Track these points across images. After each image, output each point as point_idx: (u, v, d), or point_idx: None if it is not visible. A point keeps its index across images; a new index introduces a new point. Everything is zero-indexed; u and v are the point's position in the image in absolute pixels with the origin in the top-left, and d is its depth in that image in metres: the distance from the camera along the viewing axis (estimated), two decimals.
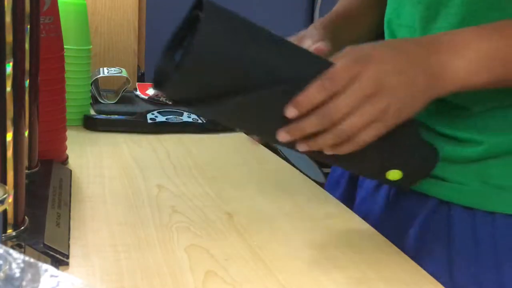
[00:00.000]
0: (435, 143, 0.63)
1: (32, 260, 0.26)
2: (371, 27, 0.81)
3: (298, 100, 0.52)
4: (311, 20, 2.46)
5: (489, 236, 0.61)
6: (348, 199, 0.77)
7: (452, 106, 0.63)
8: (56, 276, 0.26)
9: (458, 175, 0.63)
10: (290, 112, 0.52)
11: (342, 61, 0.53)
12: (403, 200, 0.69)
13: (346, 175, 0.80)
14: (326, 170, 1.93)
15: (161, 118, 0.97)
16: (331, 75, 0.52)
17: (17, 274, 0.25)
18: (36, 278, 0.25)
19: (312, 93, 0.52)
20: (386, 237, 0.62)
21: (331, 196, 0.75)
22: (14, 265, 0.26)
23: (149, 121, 0.96)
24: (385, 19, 0.73)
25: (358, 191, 0.77)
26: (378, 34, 0.81)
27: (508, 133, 0.61)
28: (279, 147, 0.93)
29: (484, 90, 0.58)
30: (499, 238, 0.61)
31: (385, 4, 0.75)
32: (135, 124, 0.96)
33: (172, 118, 0.98)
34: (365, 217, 0.68)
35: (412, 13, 0.66)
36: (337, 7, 0.81)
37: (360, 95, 0.52)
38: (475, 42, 0.55)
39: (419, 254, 0.62)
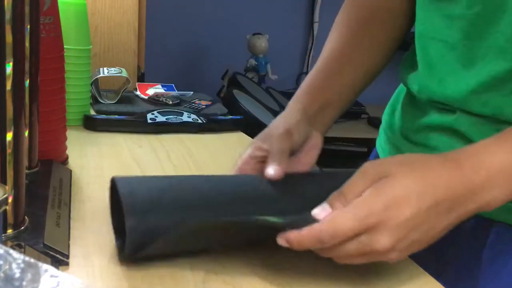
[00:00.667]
0: None
1: (32, 260, 0.26)
2: (365, 70, 0.72)
3: (290, 239, 0.47)
4: (311, 20, 2.47)
5: None
6: None
7: (500, 122, 0.59)
8: (56, 276, 0.26)
9: None
10: (281, 243, 0.48)
11: (355, 213, 0.46)
12: None
13: None
14: (326, 170, 1.94)
15: (161, 118, 0.97)
16: (335, 228, 0.46)
17: (17, 274, 0.25)
18: (36, 278, 0.25)
19: (307, 243, 0.47)
20: (422, 257, 0.58)
21: None
22: (14, 265, 0.26)
23: (149, 121, 0.96)
24: (416, 30, 0.69)
25: None
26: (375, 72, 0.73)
27: None
28: None
29: None
30: None
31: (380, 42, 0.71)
32: (135, 124, 0.96)
33: (172, 118, 0.98)
34: None
35: (448, 28, 0.62)
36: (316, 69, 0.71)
37: (375, 254, 0.47)
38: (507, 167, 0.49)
39: (453, 275, 0.61)
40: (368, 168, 0.49)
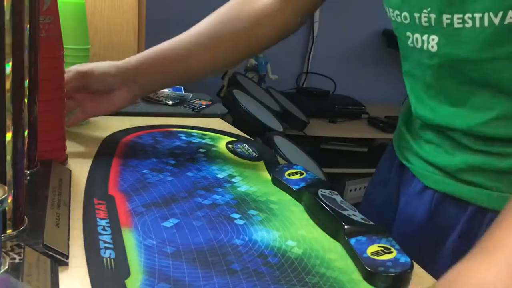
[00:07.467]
0: (468, 156, 0.63)
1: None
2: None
3: None
4: (311, 20, 2.46)
5: None
6: (392, 202, 0.77)
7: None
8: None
9: (495, 182, 0.62)
10: None
11: None
12: (446, 207, 0.68)
13: (390, 178, 0.80)
14: (326, 170, 1.93)
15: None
16: None
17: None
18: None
19: None
20: (426, 243, 0.62)
21: None
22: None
23: None
24: (402, 68, 0.72)
25: (401, 195, 0.76)
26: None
27: None
28: (277, 147, 0.93)
29: None
30: None
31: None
32: None
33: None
34: (408, 221, 0.67)
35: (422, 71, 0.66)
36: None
37: None
38: None
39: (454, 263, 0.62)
40: None
